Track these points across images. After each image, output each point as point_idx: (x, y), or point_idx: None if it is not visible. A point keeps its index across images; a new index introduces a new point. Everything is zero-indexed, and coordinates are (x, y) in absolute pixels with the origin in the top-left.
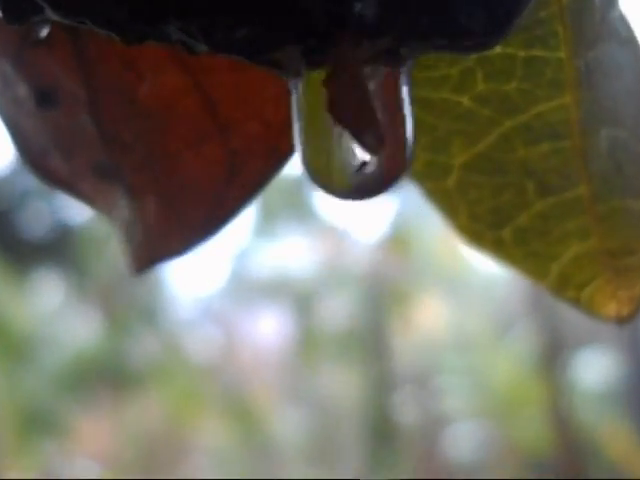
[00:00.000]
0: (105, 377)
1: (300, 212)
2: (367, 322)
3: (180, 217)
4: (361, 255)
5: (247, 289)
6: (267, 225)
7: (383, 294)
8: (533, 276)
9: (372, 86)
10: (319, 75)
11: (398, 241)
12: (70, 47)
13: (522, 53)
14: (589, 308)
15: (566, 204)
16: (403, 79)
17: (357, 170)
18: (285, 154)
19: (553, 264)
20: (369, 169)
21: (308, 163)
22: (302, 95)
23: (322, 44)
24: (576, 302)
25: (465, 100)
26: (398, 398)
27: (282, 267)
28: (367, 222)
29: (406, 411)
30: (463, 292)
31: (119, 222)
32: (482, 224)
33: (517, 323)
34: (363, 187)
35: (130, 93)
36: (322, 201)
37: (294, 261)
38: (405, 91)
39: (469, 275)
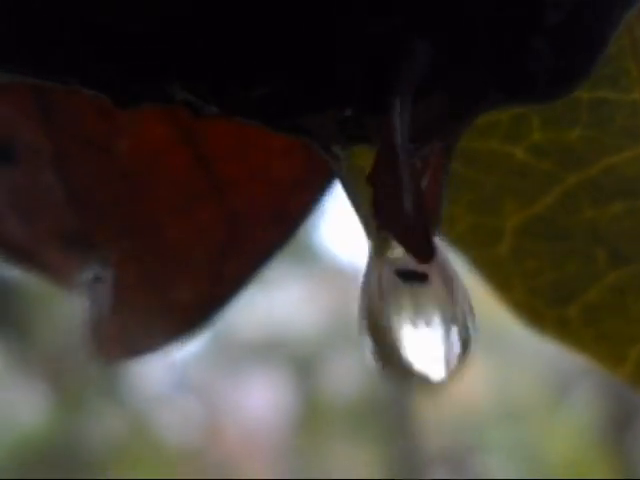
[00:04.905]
0: (55, 466)
1: (299, 252)
2: (386, 389)
3: (166, 297)
4: None
5: (232, 352)
6: None
7: None
8: (606, 363)
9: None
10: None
11: None
12: (31, 91)
13: (587, 95)
14: None
15: None
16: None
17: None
18: (295, 219)
19: (631, 349)
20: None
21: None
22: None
23: (361, 113)
24: None
25: (518, 151)
26: None
27: (277, 322)
28: None
29: None
30: (507, 348)
31: (88, 301)
32: (542, 300)
33: (575, 387)
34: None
35: (105, 147)
36: (328, 238)
37: (292, 314)
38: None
39: (514, 327)
